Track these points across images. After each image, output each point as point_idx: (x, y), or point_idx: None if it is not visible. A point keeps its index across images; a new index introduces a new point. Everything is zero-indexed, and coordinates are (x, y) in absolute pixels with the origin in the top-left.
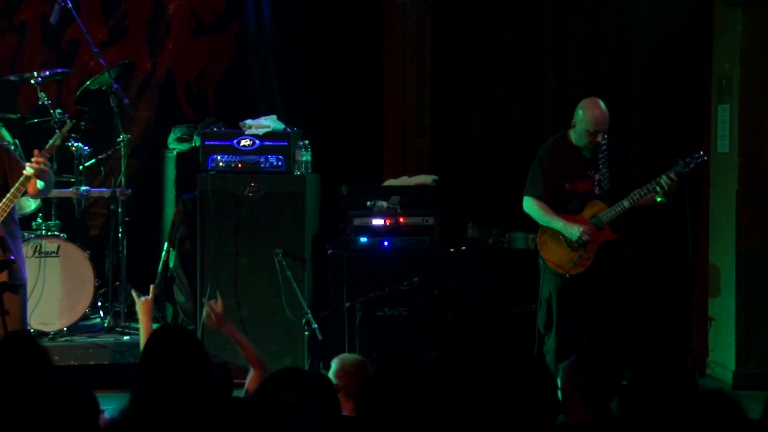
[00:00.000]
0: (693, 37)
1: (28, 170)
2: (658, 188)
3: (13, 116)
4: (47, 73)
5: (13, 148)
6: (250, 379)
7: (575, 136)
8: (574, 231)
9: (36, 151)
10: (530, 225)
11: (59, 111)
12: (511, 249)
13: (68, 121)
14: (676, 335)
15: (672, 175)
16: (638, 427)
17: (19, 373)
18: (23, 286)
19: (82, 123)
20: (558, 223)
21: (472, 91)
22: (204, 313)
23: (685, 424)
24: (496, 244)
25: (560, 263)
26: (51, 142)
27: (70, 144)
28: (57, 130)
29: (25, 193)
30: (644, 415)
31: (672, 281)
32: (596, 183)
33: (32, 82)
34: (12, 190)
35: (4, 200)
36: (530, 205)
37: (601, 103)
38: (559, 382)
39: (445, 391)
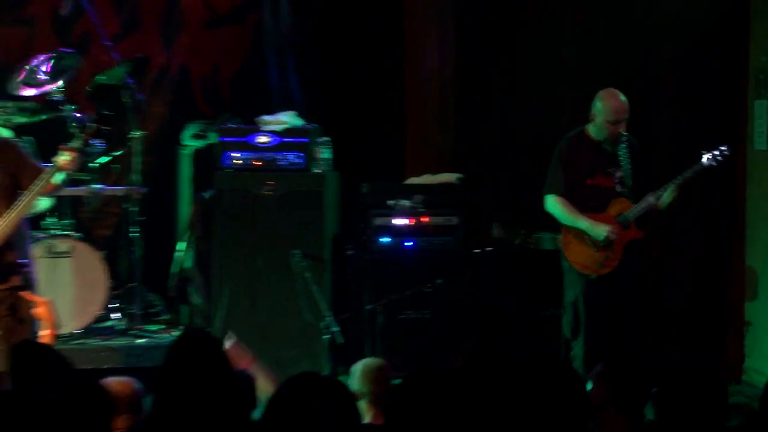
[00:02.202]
0: (727, 28)
1: (63, 159)
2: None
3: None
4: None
5: (28, 146)
6: None
7: (594, 129)
8: (600, 231)
9: (66, 149)
10: (558, 225)
11: (71, 107)
12: (538, 250)
13: (89, 124)
14: (710, 340)
15: (698, 169)
16: None
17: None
18: (33, 289)
19: (107, 128)
20: (584, 223)
21: (497, 86)
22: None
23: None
24: (523, 245)
25: (586, 264)
26: (71, 144)
27: None
28: (81, 133)
29: None
30: (673, 422)
31: (705, 283)
32: (617, 180)
33: (43, 77)
34: (34, 189)
35: (23, 201)
36: (553, 204)
37: (620, 93)
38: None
39: (474, 401)
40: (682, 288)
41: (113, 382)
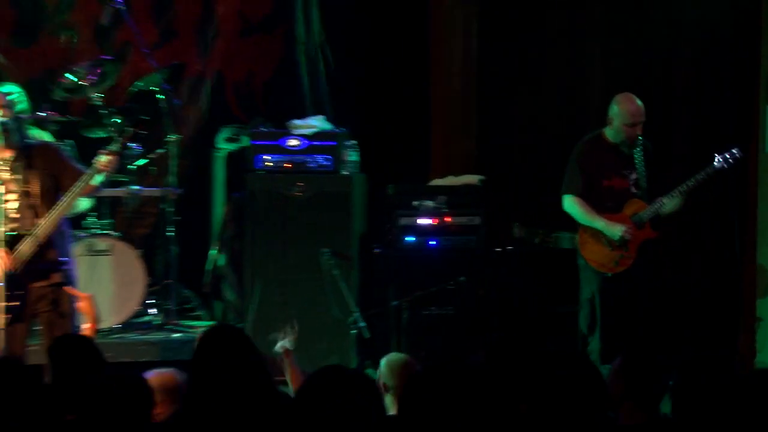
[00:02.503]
0: (739, 33)
1: (102, 161)
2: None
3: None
4: (97, 71)
5: (69, 149)
6: None
7: (612, 132)
8: (615, 231)
9: (104, 152)
10: (576, 225)
11: (111, 110)
12: (557, 249)
13: (127, 128)
14: (723, 335)
15: (710, 171)
16: (685, 427)
17: (74, 371)
18: (74, 285)
19: (144, 131)
20: (600, 223)
21: (517, 92)
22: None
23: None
24: (542, 244)
25: (602, 262)
26: (110, 147)
27: None
28: (119, 137)
29: None
30: (690, 415)
31: (718, 281)
32: (632, 182)
33: (85, 83)
34: (74, 190)
35: (63, 202)
36: (571, 204)
37: (636, 97)
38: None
39: (492, 394)
40: (696, 286)
41: (157, 373)
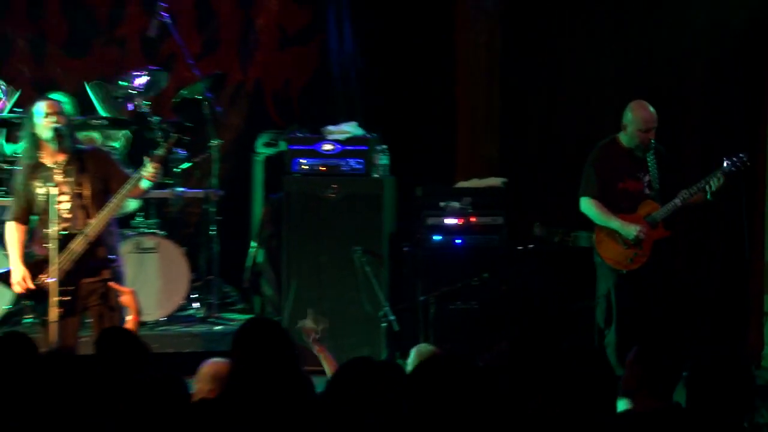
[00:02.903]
0: (751, 37)
1: (148, 172)
2: (707, 187)
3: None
4: (144, 81)
5: (117, 153)
6: None
7: (626, 138)
8: (630, 230)
9: (149, 159)
10: (593, 224)
11: (157, 118)
12: (575, 247)
13: (172, 134)
14: (732, 330)
15: (719, 175)
16: (698, 415)
17: (116, 363)
18: (122, 281)
19: (186, 138)
20: (615, 223)
21: (538, 99)
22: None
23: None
24: (562, 243)
25: (618, 260)
26: (156, 153)
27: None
28: (164, 142)
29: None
30: (703, 405)
31: (728, 277)
32: (646, 184)
33: (133, 91)
34: (122, 193)
35: (112, 204)
36: (588, 206)
37: (648, 104)
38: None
39: (491, 392)
40: (706, 282)
41: (212, 362)
